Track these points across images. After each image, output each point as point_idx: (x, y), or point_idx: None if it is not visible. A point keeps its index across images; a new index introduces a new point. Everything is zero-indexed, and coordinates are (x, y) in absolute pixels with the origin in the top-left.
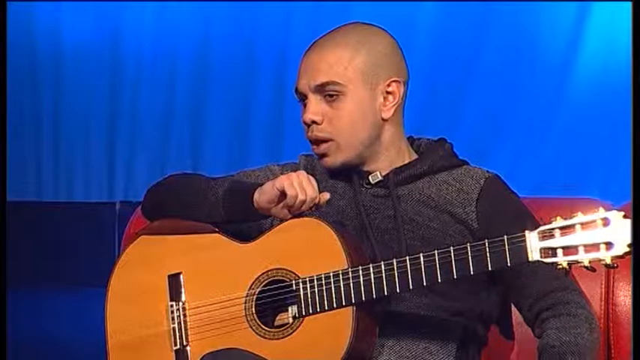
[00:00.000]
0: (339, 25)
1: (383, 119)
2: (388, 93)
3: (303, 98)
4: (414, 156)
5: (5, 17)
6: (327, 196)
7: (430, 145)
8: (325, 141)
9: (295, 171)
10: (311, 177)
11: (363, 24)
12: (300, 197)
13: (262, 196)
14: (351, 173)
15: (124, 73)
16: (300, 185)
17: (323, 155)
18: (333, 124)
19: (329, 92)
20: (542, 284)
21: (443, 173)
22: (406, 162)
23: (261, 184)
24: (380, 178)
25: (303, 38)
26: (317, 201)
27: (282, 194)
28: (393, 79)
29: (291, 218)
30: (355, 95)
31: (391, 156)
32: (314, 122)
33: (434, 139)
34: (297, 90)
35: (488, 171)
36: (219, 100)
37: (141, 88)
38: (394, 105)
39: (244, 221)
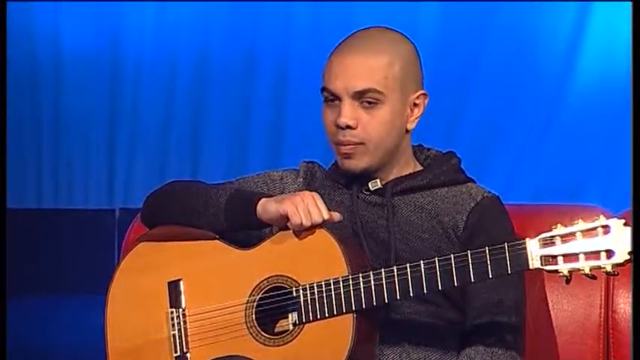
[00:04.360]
0: (364, 29)
1: (407, 130)
2: (415, 105)
3: (333, 99)
4: (418, 167)
5: (5, 22)
6: (337, 216)
7: (437, 157)
8: (355, 144)
9: (295, 178)
10: (319, 198)
11: (390, 30)
12: (305, 224)
13: (265, 214)
14: (351, 180)
15: (124, 79)
16: (305, 211)
17: (347, 156)
18: (367, 130)
19: (368, 99)
20: (492, 320)
21: (443, 189)
22: (408, 172)
23: (265, 195)
24: (379, 186)
25: (303, 42)
26: (325, 220)
27: (286, 217)
28: (421, 92)
29: None
30: (391, 104)
31: (399, 165)
32: (348, 127)
33: (443, 151)
34: (327, 89)
35: (490, 191)
36: (219, 107)
37: (141, 94)
38: (418, 117)
39: (249, 230)
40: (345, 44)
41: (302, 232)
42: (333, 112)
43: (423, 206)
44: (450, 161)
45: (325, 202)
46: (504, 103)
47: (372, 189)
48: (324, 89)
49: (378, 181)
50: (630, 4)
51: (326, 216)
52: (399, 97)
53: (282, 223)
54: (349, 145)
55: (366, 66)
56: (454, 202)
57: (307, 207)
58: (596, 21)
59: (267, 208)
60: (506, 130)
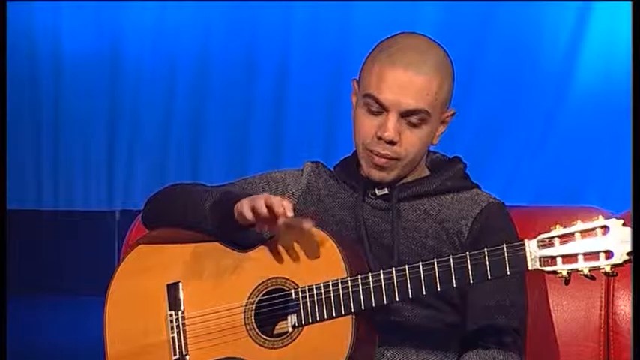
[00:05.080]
0: (412, 37)
1: (432, 144)
2: (443, 121)
3: (378, 108)
4: (425, 172)
5: (5, 23)
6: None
7: (443, 163)
8: (391, 158)
9: (298, 179)
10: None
11: (437, 44)
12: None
13: (238, 216)
14: (357, 183)
15: (124, 80)
16: (252, 202)
17: (380, 168)
18: (406, 147)
19: (415, 118)
20: (492, 322)
21: (449, 195)
22: (415, 178)
23: (249, 195)
24: (386, 191)
25: (303, 42)
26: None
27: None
28: (453, 111)
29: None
30: (432, 124)
31: (413, 172)
32: (391, 142)
33: (448, 156)
34: (376, 99)
35: (495, 198)
36: (219, 108)
37: (141, 95)
38: (442, 133)
39: (234, 231)
40: (399, 56)
41: (301, 232)
42: (373, 121)
43: (428, 212)
44: (456, 167)
45: (330, 203)
46: (504, 104)
47: (378, 194)
48: (368, 96)
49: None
50: (630, 4)
51: (286, 204)
52: (438, 117)
53: (247, 222)
54: (386, 159)
55: (422, 86)
56: (459, 209)
57: (265, 201)
58: (596, 21)
59: (238, 209)
60: (506, 132)
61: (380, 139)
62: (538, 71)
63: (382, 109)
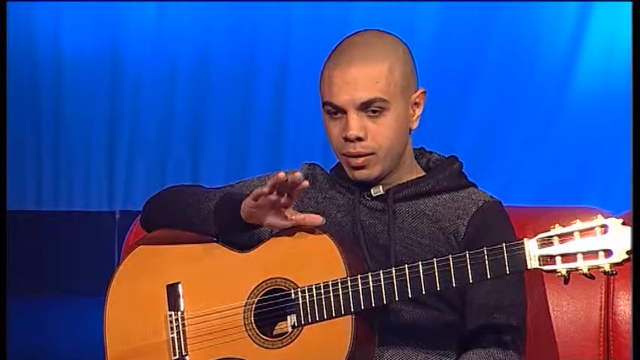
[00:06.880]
0: (357, 35)
1: (410, 129)
2: (415, 104)
3: (337, 112)
4: (420, 172)
5: (5, 24)
6: (318, 219)
7: (439, 162)
8: (366, 154)
9: None
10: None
11: (384, 33)
12: (274, 180)
13: (244, 212)
14: (353, 185)
15: (124, 81)
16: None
17: (361, 167)
18: (376, 139)
19: (373, 108)
20: (491, 321)
21: (445, 194)
22: (411, 178)
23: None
24: (382, 192)
25: (302, 43)
26: (292, 180)
27: (256, 199)
28: (421, 90)
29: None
30: (396, 109)
31: (402, 168)
32: (358, 138)
33: (444, 156)
34: (331, 104)
35: (492, 196)
36: (219, 109)
37: (141, 98)
38: (419, 115)
39: (238, 231)
40: (342, 55)
41: (300, 233)
42: (338, 125)
43: (425, 212)
44: (452, 166)
45: (327, 204)
46: (504, 104)
47: (374, 195)
48: (326, 104)
49: (380, 187)
50: (630, 4)
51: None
52: (402, 101)
53: (260, 207)
54: (361, 156)
55: (369, 76)
56: (455, 208)
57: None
58: (596, 21)
59: (242, 207)
60: (506, 132)
61: (347, 139)
62: (538, 71)
63: (340, 111)
